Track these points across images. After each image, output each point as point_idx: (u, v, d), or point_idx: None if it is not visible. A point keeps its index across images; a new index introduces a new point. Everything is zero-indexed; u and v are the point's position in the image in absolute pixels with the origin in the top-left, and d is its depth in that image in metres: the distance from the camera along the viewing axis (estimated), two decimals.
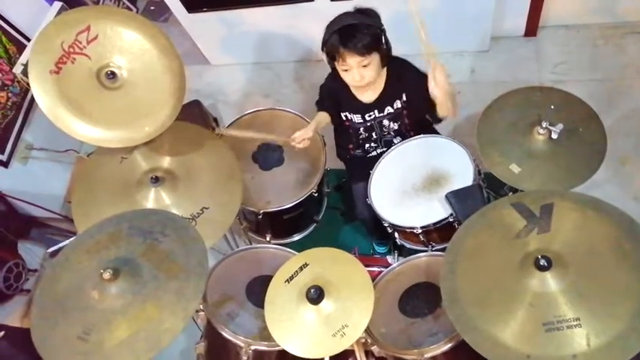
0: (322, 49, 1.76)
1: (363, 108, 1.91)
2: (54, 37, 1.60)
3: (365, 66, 1.72)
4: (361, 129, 1.98)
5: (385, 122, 1.96)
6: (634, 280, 1.19)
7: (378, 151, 2.07)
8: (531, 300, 1.21)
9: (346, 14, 1.71)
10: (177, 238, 1.45)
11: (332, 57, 1.75)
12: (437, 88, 1.58)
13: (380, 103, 1.90)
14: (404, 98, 1.90)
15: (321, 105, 1.99)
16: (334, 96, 1.92)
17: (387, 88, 1.88)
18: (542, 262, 1.22)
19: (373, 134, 2.01)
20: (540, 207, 1.35)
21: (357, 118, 1.94)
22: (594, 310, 1.17)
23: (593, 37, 2.75)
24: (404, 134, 2.02)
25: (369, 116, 1.93)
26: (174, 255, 1.41)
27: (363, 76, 1.75)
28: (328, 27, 1.73)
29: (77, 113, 1.62)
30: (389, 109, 1.91)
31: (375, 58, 1.72)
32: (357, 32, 1.66)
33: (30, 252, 2.40)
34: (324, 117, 1.96)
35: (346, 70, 1.76)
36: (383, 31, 1.73)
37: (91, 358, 1.29)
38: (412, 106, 1.91)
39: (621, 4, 2.66)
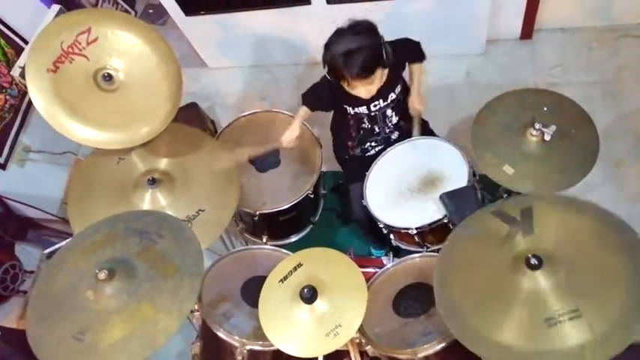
0: (324, 67, 1.77)
1: (367, 99, 1.91)
2: (54, 37, 1.61)
3: (370, 83, 1.77)
4: (365, 119, 1.98)
5: (388, 112, 1.98)
6: (622, 265, 1.21)
7: (377, 149, 2.08)
8: (528, 299, 1.22)
9: (343, 34, 1.70)
10: (172, 238, 1.46)
11: (337, 77, 1.77)
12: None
13: (384, 92, 1.91)
14: (402, 81, 1.95)
15: (307, 99, 1.98)
16: (334, 93, 1.91)
17: (389, 77, 1.90)
18: (533, 260, 1.23)
19: (376, 127, 2.01)
20: (520, 211, 1.37)
21: (361, 110, 1.94)
22: (591, 298, 1.18)
23: (589, 39, 2.77)
24: (402, 129, 2.04)
25: (375, 106, 1.93)
26: (169, 255, 1.42)
27: (369, 91, 1.81)
28: (327, 47, 1.73)
29: (71, 113, 1.63)
30: (392, 96, 1.93)
31: (377, 74, 1.75)
32: (358, 56, 1.66)
33: (27, 253, 2.40)
34: (305, 111, 1.98)
35: (352, 89, 1.80)
36: (381, 46, 1.72)
37: (86, 358, 1.29)
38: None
39: (616, 8, 2.68)
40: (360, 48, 1.66)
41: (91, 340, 1.30)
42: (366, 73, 1.70)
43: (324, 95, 1.94)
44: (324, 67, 1.77)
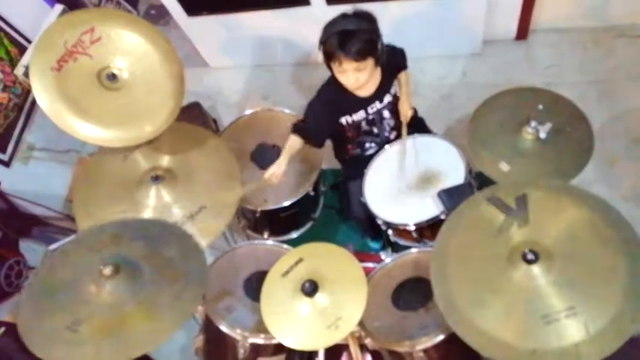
0: (319, 48, 1.79)
1: (364, 102, 1.94)
2: (58, 36, 1.63)
3: (360, 70, 1.77)
4: (363, 123, 2.01)
5: (385, 114, 2.01)
6: (618, 262, 1.22)
7: (376, 148, 2.10)
8: (526, 295, 1.23)
9: (345, 17, 1.74)
10: (178, 248, 1.47)
11: (329, 57, 1.79)
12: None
13: (379, 94, 1.94)
14: (396, 83, 1.99)
15: (299, 128, 1.91)
16: (331, 106, 1.92)
17: (383, 79, 1.93)
18: (530, 255, 1.25)
19: (374, 129, 2.04)
20: (515, 199, 1.37)
21: (360, 115, 1.97)
22: (587, 296, 1.20)
23: (583, 40, 2.80)
24: (400, 129, 2.06)
25: (372, 109, 1.96)
26: (174, 262, 1.44)
27: (358, 79, 1.80)
28: (327, 27, 1.76)
29: (75, 111, 1.64)
30: (388, 98, 1.97)
31: (369, 63, 1.76)
32: (354, 38, 1.69)
33: (31, 250, 2.42)
34: (295, 144, 1.89)
35: (341, 73, 1.80)
36: (379, 37, 1.76)
37: (77, 348, 1.29)
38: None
39: (611, 8, 2.71)
40: (358, 30, 1.69)
41: (86, 332, 1.31)
42: (359, 56, 1.71)
43: (322, 109, 1.93)
44: (319, 47, 1.78)
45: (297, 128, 1.92)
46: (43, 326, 1.34)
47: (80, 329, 1.31)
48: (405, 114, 2.00)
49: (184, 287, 1.37)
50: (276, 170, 1.83)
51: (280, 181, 1.85)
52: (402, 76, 2.05)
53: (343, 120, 1.98)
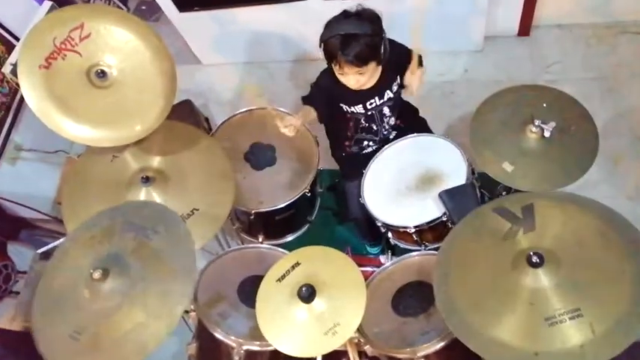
0: (320, 46, 1.74)
1: (363, 96, 1.89)
2: (46, 33, 1.60)
3: (361, 74, 1.73)
4: (362, 119, 1.96)
5: (385, 111, 1.95)
6: (625, 265, 1.20)
7: (374, 147, 2.06)
8: (529, 298, 1.21)
9: (347, 17, 1.68)
10: (167, 236, 1.44)
11: (329, 58, 1.74)
12: (412, 83, 1.84)
13: (379, 89, 1.89)
14: (398, 80, 1.91)
15: (308, 100, 1.91)
16: (330, 92, 1.89)
17: (384, 74, 1.87)
18: (535, 258, 1.23)
19: (374, 126, 1.99)
20: (521, 208, 1.36)
21: (358, 109, 1.92)
22: (592, 298, 1.18)
23: (586, 36, 2.77)
24: (401, 129, 2.02)
25: (370, 104, 1.91)
26: (163, 254, 1.40)
27: (358, 81, 1.77)
28: (328, 26, 1.70)
29: (64, 109, 1.61)
30: (388, 94, 1.91)
31: (371, 66, 1.72)
32: (356, 43, 1.64)
33: (19, 254, 2.39)
34: (309, 110, 1.86)
35: (342, 74, 1.76)
36: (382, 38, 1.71)
37: (82, 358, 1.29)
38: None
39: (614, 4, 2.68)
40: (360, 35, 1.64)
41: (87, 340, 1.29)
42: (360, 62, 1.67)
43: (320, 94, 1.90)
44: (320, 45, 1.73)
45: (306, 101, 1.89)
46: (55, 336, 1.34)
47: (81, 338, 1.30)
48: (411, 85, 1.85)
49: (172, 282, 1.35)
50: (293, 120, 1.74)
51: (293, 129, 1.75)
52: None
53: (343, 106, 1.93)
